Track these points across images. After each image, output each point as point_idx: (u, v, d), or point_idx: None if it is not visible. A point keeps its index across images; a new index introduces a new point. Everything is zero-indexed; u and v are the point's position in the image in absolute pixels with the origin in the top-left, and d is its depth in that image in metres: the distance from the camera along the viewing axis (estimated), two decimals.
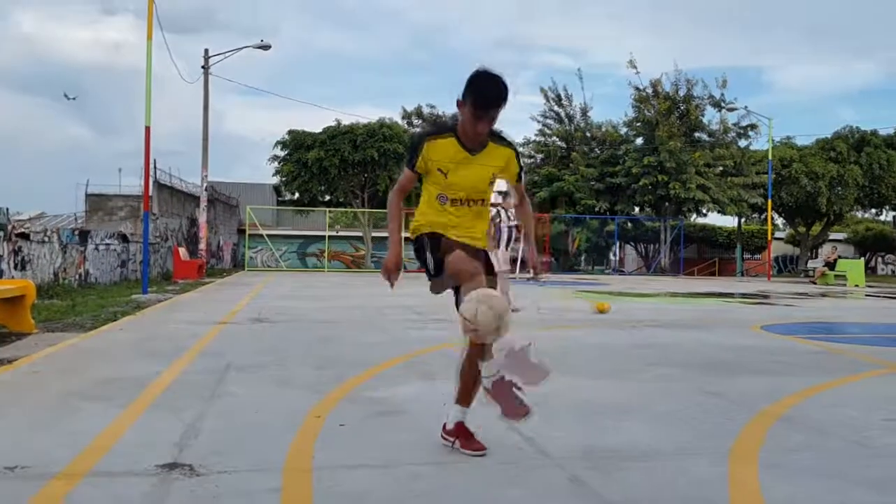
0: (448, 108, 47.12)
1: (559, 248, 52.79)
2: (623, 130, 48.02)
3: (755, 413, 5.06)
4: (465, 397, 4.07)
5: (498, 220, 12.62)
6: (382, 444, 4.08)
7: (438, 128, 3.93)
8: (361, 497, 3.21)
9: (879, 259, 57.25)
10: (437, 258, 3.89)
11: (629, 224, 51.41)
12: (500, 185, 11.87)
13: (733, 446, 4.18)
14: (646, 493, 3.37)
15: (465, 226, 3.94)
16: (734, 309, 15.66)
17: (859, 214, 57.50)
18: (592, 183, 45.68)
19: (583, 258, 56.44)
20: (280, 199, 56.43)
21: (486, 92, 3.67)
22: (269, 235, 43.15)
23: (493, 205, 11.78)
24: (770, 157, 40.82)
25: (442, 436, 4.07)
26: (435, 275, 3.96)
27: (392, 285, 3.97)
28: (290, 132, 44.27)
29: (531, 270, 4.27)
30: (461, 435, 3.99)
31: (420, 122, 49.91)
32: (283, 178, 44.21)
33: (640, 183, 42.69)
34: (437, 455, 3.87)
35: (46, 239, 17.37)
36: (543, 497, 3.27)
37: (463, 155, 3.84)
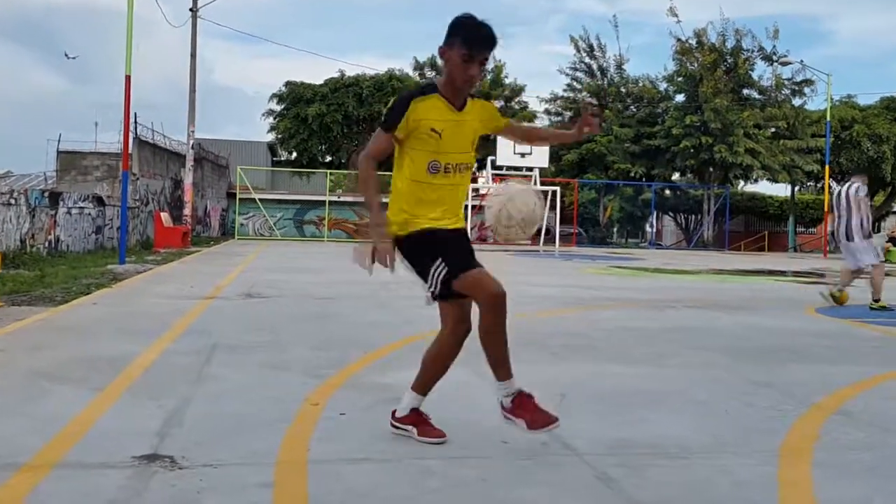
0: None
1: (588, 217, 52.72)
2: (662, 86, 47.72)
3: (808, 406, 5.04)
4: (423, 386, 4.12)
5: None
6: (388, 436, 4.07)
7: (421, 88, 3.94)
8: (363, 495, 3.21)
9: None
10: (443, 276, 3.82)
11: (668, 192, 51.22)
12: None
13: (783, 443, 4.16)
14: (682, 493, 3.35)
15: (451, 202, 3.96)
16: (785, 288, 15.60)
17: None
18: (627, 145, 45.46)
19: (615, 230, 56.39)
20: (275, 159, 56.49)
21: (477, 31, 3.74)
22: (262, 200, 43.23)
23: None
24: (828, 118, 40.48)
25: (392, 423, 4.11)
26: (438, 293, 3.89)
27: (370, 270, 4.01)
28: (287, 84, 44.24)
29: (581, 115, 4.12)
30: (417, 422, 4.03)
31: (434, 74, 49.58)
32: (280, 136, 44.26)
33: (681, 145, 42.45)
34: (449, 449, 3.87)
35: (13, 201, 17.45)
36: (567, 496, 3.26)
37: (452, 114, 3.87)
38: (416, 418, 4.05)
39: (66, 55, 79.53)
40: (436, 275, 3.81)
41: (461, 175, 3.95)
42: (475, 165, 4.09)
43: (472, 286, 3.74)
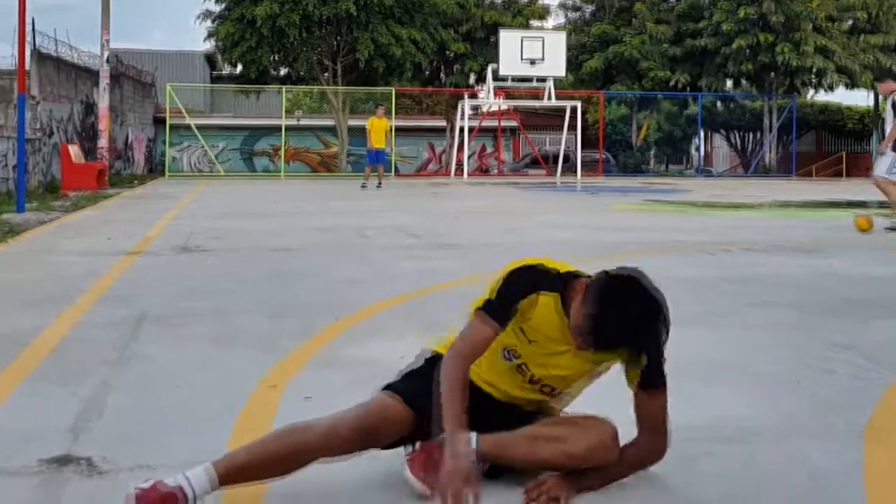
0: None
1: (618, 140, 52.60)
2: None
3: None
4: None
5: None
6: None
7: (553, 277, 3.43)
8: (331, 499, 3.19)
9: None
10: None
11: (719, 105, 51.06)
12: None
13: (870, 421, 4.17)
14: (744, 488, 3.36)
15: (510, 388, 3.53)
16: None
17: None
18: (665, 46, 45.20)
19: (652, 154, 56.30)
20: (215, 73, 56.11)
21: (613, 331, 3.17)
22: (199, 126, 43.01)
23: None
24: None
25: None
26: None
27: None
28: None
29: None
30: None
31: None
32: (220, 45, 43.82)
33: (735, 46, 42.26)
34: None
35: None
36: (598, 496, 3.26)
37: (563, 342, 3.38)
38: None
39: None
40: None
41: (543, 392, 3.51)
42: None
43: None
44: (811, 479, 3.46)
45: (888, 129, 13.96)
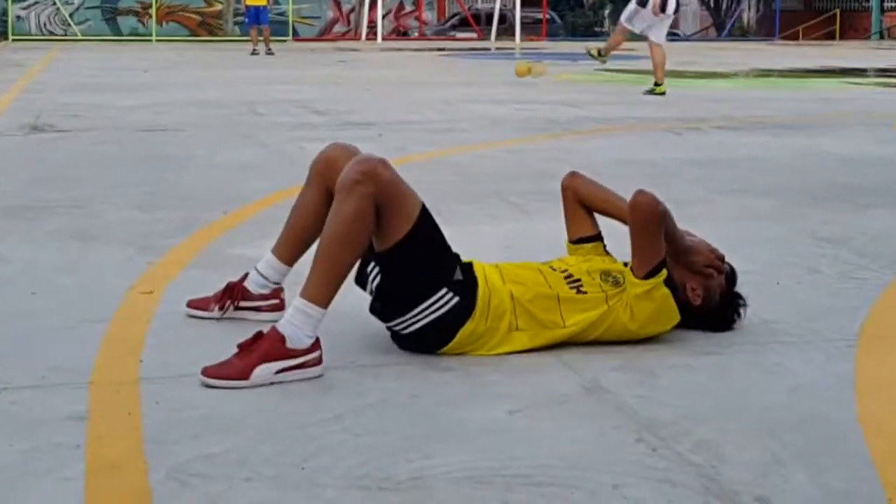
0: None
1: None
2: None
3: None
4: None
5: None
6: None
7: None
8: (228, 428, 3.19)
9: None
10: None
11: None
12: None
13: (863, 327, 4.24)
14: (711, 406, 3.37)
15: None
16: (865, 96, 15.77)
17: None
18: None
19: (607, 13, 56.23)
20: None
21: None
22: None
23: None
24: None
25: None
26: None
27: None
28: None
29: None
30: None
31: None
32: None
33: None
34: (352, 352, 3.88)
35: None
36: (537, 419, 3.27)
37: None
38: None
39: None
40: None
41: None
42: None
43: None
44: (794, 393, 3.49)
45: None
